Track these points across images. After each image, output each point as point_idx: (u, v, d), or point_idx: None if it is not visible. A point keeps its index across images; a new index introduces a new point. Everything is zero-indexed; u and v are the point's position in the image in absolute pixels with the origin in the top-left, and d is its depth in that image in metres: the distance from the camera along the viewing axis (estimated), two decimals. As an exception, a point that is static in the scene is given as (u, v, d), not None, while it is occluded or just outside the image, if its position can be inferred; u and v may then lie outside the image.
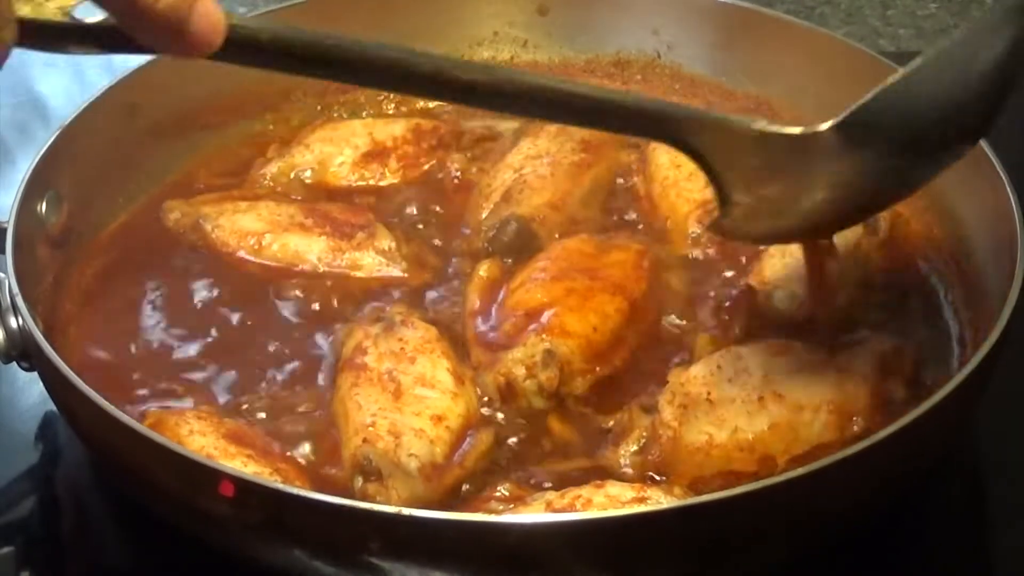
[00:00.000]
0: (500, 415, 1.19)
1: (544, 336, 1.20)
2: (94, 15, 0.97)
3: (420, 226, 1.39)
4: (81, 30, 0.98)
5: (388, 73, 1.06)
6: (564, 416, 1.20)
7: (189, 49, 0.98)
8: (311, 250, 1.34)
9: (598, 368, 1.21)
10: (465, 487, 1.14)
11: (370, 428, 1.14)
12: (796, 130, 1.09)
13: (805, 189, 1.11)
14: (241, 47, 1.01)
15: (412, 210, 1.40)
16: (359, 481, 1.11)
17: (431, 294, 1.30)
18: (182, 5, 0.95)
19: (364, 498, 1.09)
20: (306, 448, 1.17)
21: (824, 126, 1.07)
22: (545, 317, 1.22)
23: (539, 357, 1.19)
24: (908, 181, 1.16)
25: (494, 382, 1.19)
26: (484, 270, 1.29)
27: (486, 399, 1.20)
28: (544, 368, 1.19)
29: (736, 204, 1.12)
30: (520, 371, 1.19)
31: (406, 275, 1.33)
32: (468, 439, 1.15)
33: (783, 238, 1.23)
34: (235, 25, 0.99)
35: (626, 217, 1.39)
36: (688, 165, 1.38)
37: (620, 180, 1.43)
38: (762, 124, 1.11)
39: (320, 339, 1.27)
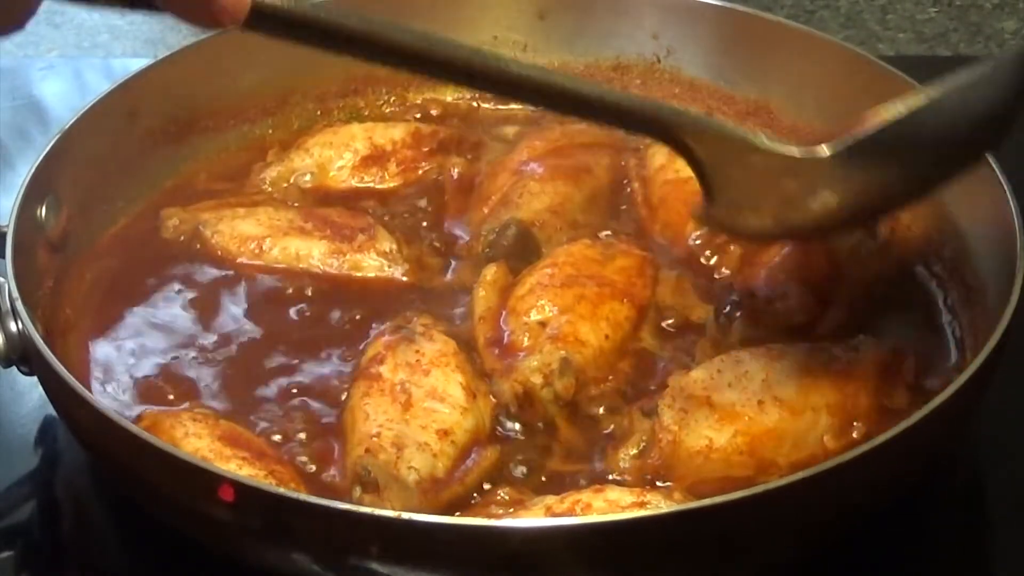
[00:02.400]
0: (509, 423, 1.19)
1: (559, 344, 1.20)
2: None
3: (419, 230, 1.39)
4: None
5: (404, 55, 1.08)
6: (573, 421, 1.20)
7: (215, 18, 0.98)
8: (312, 253, 1.34)
9: (610, 377, 1.22)
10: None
11: (374, 439, 1.13)
12: (796, 151, 1.10)
13: (795, 206, 1.12)
14: (267, 20, 1.01)
15: (412, 214, 1.40)
16: (357, 491, 1.11)
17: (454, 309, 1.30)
18: None
19: (361, 506, 1.09)
20: (304, 457, 1.17)
21: (824, 152, 1.09)
22: (558, 325, 1.22)
23: (556, 365, 1.19)
24: (903, 200, 1.18)
25: (511, 390, 1.19)
26: (491, 275, 1.29)
27: (501, 407, 1.19)
28: (561, 376, 1.19)
29: (722, 203, 1.13)
30: (538, 379, 1.19)
31: (407, 277, 1.33)
32: (473, 456, 1.15)
33: (771, 238, 1.24)
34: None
35: (625, 221, 1.39)
36: (687, 170, 1.39)
37: (619, 184, 1.43)
38: (763, 140, 1.11)
39: (321, 341, 1.27)
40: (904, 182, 1.12)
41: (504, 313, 1.25)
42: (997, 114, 1.12)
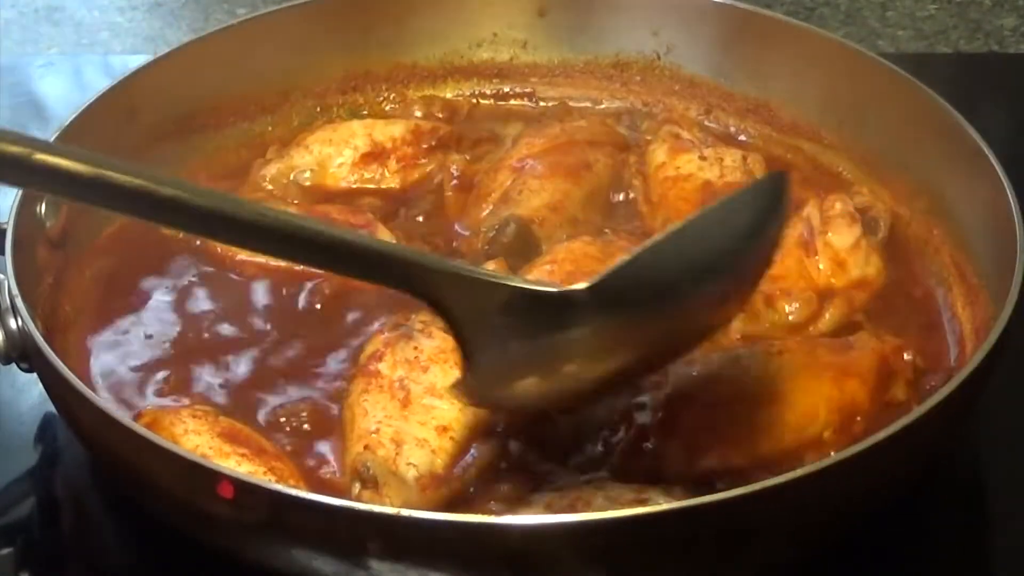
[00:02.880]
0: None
1: None
2: None
3: (419, 227, 1.39)
4: None
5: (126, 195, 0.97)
6: (572, 417, 1.20)
7: None
8: (311, 251, 1.34)
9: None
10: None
11: (373, 435, 1.13)
12: (551, 288, 1.04)
13: (558, 356, 1.04)
14: None
15: (411, 211, 1.40)
16: (356, 488, 1.11)
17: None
18: None
19: (360, 504, 1.09)
20: (304, 454, 1.17)
21: (581, 287, 1.02)
22: None
23: None
24: (674, 348, 1.11)
25: None
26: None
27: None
28: None
29: (482, 364, 1.03)
30: None
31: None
32: (472, 452, 1.15)
33: (539, 404, 1.13)
34: None
35: (625, 219, 1.39)
36: (686, 166, 1.39)
37: (619, 181, 1.43)
38: (516, 280, 1.06)
39: (321, 339, 1.27)
40: (666, 320, 1.05)
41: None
42: (748, 241, 1.07)
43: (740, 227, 1.06)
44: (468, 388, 1.06)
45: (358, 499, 1.10)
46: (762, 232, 1.08)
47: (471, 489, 1.13)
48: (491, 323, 1.02)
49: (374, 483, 1.10)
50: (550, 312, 1.02)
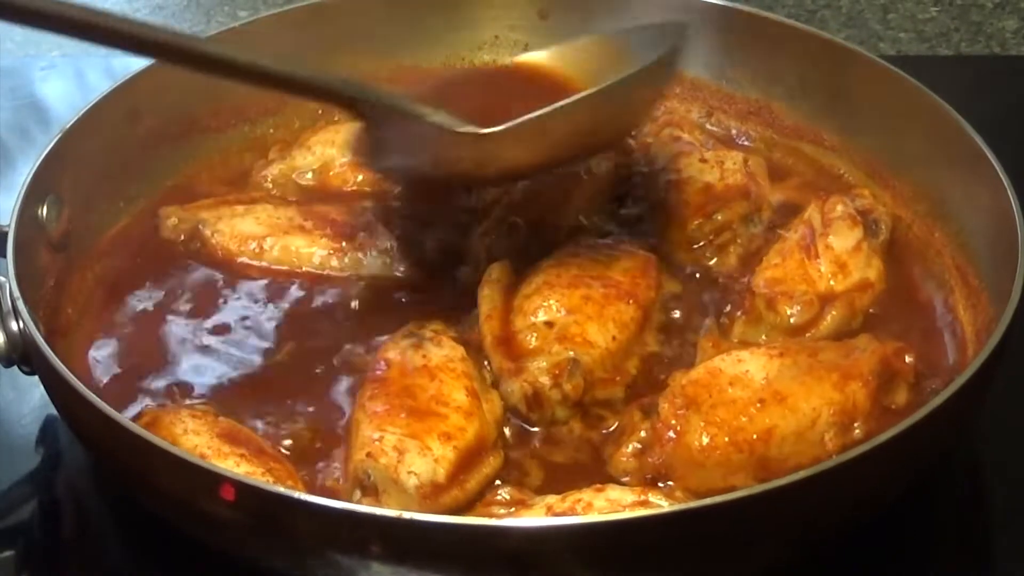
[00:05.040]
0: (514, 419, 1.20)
1: (568, 345, 1.20)
2: None
3: (420, 229, 1.39)
4: None
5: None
6: (577, 421, 1.20)
7: None
8: (312, 252, 1.34)
9: (618, 378, 1.22)
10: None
11: (376, 442, 1.13)
12: (460, 126, 1.21)
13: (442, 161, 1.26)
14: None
15: (413, 212, 1.40)
16: (357, 494, 1.11)
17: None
18: None
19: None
20: (305, 457, 1.17)
21: (481, 130, 1.20)
22: (566, 325, 1.22)
23: (565, 366, 1.19)
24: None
25: (521, 391, 1.19)
26: (495, 273, 1.29)
27: (509, 408, 1.20)
28: (570, 377, 1.19)
29: (376, 140, 1.26)
30: (547, 380, 1.19)
31: (408, 275, 1.33)
32: (475, 462, 1.15)
33: (407, 175, 1.38)
34: None
35: (627, 221, 1.39)
36: (687, 169, 1.39)
37: (621, 183, 1.43)
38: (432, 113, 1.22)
39: (321, 339, 1.27)
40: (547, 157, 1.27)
41: (510, 313, 1.25)
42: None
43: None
44: (361, 148, 1.30)
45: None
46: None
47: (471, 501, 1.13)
48: (396, 126, 1.24)
49: (374, 490, 1.10)
50: (450, 140, 1.23)
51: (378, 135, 1.26)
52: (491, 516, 1.09)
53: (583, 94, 1.24)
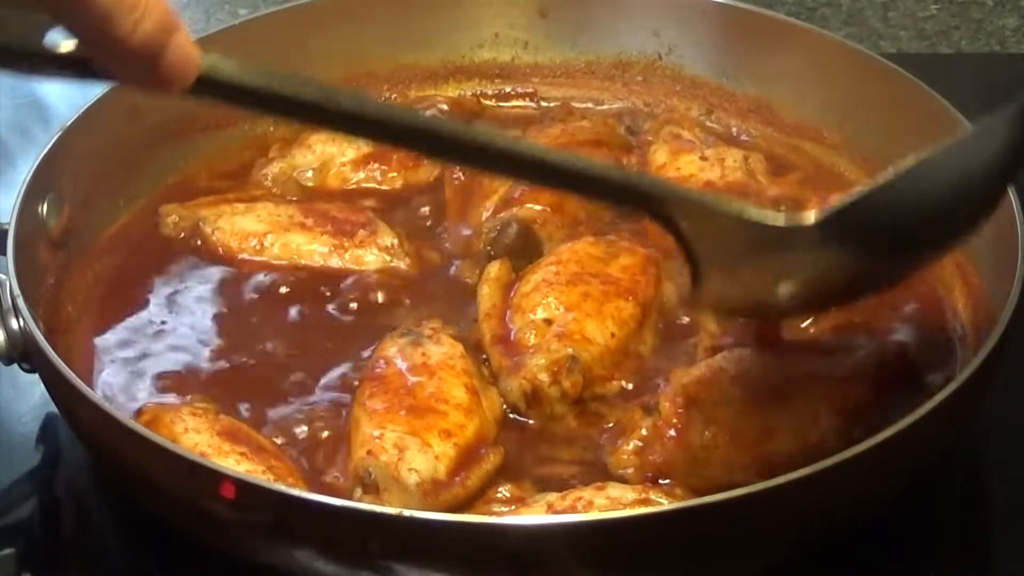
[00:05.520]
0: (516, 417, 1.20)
1: (566, 342, 1.20)
2: (67, 43, 0.93)
3: (421, 227, 1.39)
4: (51, 57, 0.94)
5: (359, 122, 1.01)
6: (576, 419, 1.20)
7: (161, 83, 0.94)
8: (313, 249, 1.34)
9: (617, 375, 1.22)
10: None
11: (376, 440, 1.13)
12: (780, 221, 1.05)
13: (781, 277, 1.08)
14: (213, 86, 0.97)
15: (413, 211, 1.40)
16: (358, 492, 1.11)
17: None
18: (158, 38, 0.91)
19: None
20: (306, 456, 1.17)
21: (809, 221, 1.04)
22: (565, 322, 1.22)
23: (563, 363, 1.19)
24: (892, 277, 1.14)
25: (520, 388, 1.19)
26: (494, 272, 1.29)
27: (508, 405, 1.20)
28: (568, 374, 1.19)
29: (709, 281, 1.07)
30: (546, 377, 1.19)
31: (409, 271, 1.33)
32: (475, 459, 1.15)
33: (760, 314, 1.18)
34: (209, 65, 0.95)
35: (627, 219, 1.39)
36: (687, 167, 1.39)
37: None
38: (748, 210, 1.06)
39: (322, 337, 1.27)
40: (891, 256, 1.07)
41: (509, 311, 1.25)
42: (985, 179, 1.06)
43: (976, 168, 1.05)
44: (696, 299, 1.10)
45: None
46: (1001, 171, 1.07)
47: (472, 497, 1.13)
48: (720, 247, 1.06)
49: (375, 488, 1.10)
50: (776, 240, 1.05)
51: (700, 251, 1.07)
52: (491, 514, 1.09)
53: (916, 161, 1.04)
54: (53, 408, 1.23)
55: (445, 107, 1.47)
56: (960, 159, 1.06)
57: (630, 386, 1.22)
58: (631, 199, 1.07)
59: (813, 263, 1.06)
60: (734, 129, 1.51)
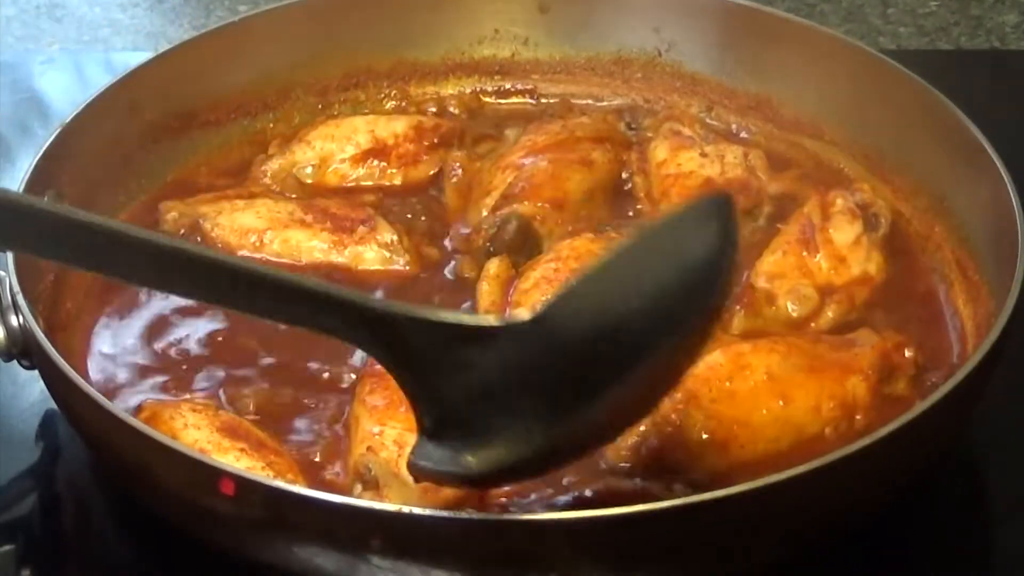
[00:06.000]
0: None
1: None
2: None
3: (420, 224, 1.39)
4: None
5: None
6: None
7: None
8: (313, 245, 1.34)
9: None
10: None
11: (376, 436, 1.13)
12: (492, 320, 1.00)
13: (514, 390, 0.97)
14: None
15: (413, 207, 1.40)
16: (358, 488, 1.11)
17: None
18: None
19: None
20: (307, 452, 1.17)
21: (524, 316, 0.98)
22: None
23: None
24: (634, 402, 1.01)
25: None
26: (494, 269, 1.29)
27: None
28: None
29: (438, 430, 0.98)
30: None
31: (409, 269, 1.33)
32: None
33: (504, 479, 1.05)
34: None
35: (627, 215, 1.39)
36: (687, 164, 1.39)
37: (621, 178, 1.43)
38: (447, 314, 0.97)
39: (322, 337, 1.27)
40: (617, 354, 0.95)
41: (509, 307, 1.25)
42: (696, 265, 0.95)
43: (687, 259, 0.96)
44: (420, 461, 1.00)
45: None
46: (713, 267, 0.96)
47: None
48: (436, 363, 0.96)
49: (375, 484, 1.10)
50: (499, 346, 0.96)
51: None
52: (491, 510, 1.09)
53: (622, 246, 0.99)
54: (52, 405, 1.23)
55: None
56: (666, 245, 0.98)
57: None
58: (321, 318, 0.98)
59: (536, 369, 0.96)
60: (734, 126, 1.51)
